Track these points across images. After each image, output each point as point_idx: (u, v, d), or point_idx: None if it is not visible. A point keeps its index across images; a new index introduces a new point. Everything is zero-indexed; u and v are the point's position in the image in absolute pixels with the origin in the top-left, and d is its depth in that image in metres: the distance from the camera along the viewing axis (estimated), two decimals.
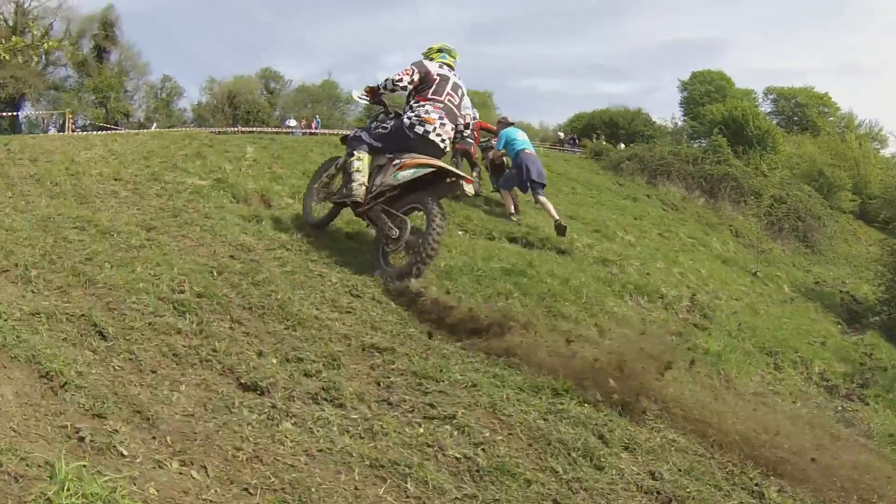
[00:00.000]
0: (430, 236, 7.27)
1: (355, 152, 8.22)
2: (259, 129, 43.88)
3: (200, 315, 5.95)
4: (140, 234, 8.01)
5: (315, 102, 73.30)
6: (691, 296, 10.87)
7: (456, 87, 8.15)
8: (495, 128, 14.86)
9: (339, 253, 8.77)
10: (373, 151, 8.17)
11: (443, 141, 7.91)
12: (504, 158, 14.22)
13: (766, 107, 73.50)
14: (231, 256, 7.82)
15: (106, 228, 7.97)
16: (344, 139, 9.33)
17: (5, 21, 57.93)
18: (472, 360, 6.07)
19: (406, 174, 7.50)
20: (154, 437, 3.99)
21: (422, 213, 7.70)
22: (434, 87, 7.90)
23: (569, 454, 4.66)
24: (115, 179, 11.48)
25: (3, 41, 3.22)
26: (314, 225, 9.36)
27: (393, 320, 6.81)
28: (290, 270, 7.67)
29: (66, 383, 4.27)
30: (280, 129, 47.41)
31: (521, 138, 13.77)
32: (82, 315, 5.43)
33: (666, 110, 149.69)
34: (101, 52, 61.59)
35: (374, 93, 8.22)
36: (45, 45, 4.05)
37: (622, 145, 43.71)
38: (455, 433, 4.67)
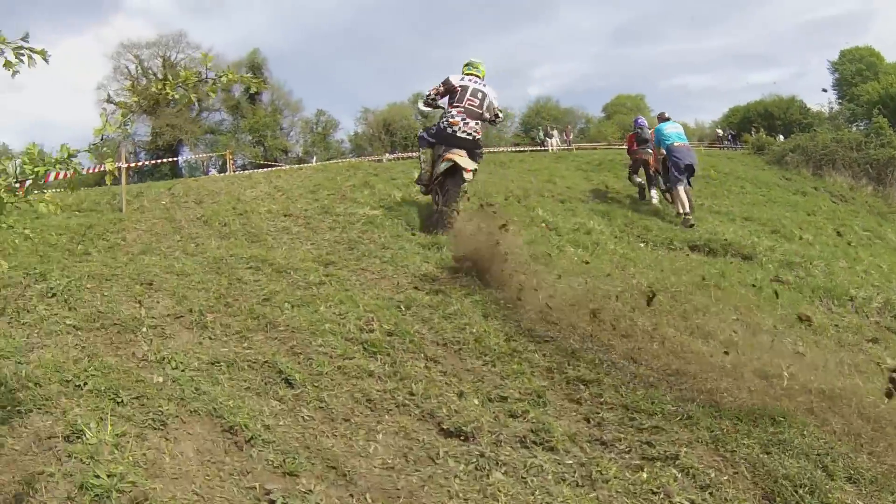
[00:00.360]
0: (445, 206, 10.39)
1: (421, 149, 11.57)
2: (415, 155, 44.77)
3: (393, 355, 5.85)
4: (318, 270, 8.06)
5: None
6: (880, 296, 10.32)
7: (476, 91, 10.78)
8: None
9: (524, 276, 8.51)
10: (431, 146, 11.00)
11: (468, 135, 10.57)
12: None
13: None
14: (416, 288, 7.75)
15: (282, 266, 8.08)
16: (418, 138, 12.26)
17: (154, 75, 63.10)
18: (681, 388, 5.73)
19: (440, 167, 10.62)
20: (352, 496, 3.85)
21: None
22: (457, 95, 10.72)
23: (795, 491, 4.29)
24: (285, 215, 11.78)
25: (170, 78, 3.22)
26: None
27: (593, 347, 6.52)
28: (479, 300, 7.52)
29: (251, 438, 4.21)
30: None
31: (670, 131, 15.02)
32: (265, 361, 5.42)
33: (818, 94, 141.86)
34: (252, 95, 65.66)
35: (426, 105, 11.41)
36: (225, 77, 4.16)
37: (781, 137, 43.66)
38: (679, 476, 4.37)
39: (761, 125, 55.44)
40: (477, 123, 10.71)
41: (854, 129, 47.52)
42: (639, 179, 16.20)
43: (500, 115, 11.81)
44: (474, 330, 6.50)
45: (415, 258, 8.84)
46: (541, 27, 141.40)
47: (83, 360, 5.28)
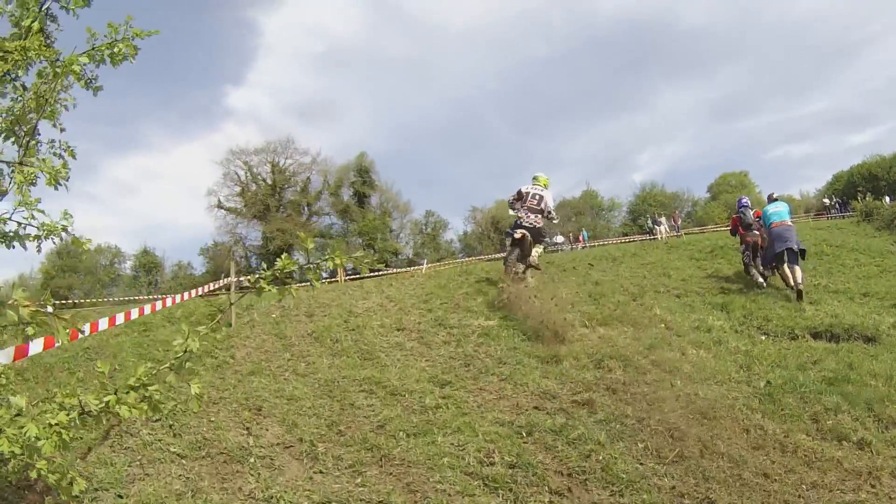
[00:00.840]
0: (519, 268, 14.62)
1: (506, 240, 15.84)
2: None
3: (515, 490, 5.60)
4: (434, 391, 7.87)
5: (578, 214, 74.57)
6: None
7: (535, 195, 14.82)
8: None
9: (648, 386, 8.40)
10: (511, 237, 14.75)
11: (531, 224, 14.47)
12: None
13: None
14: (536, 408, 7.48)
15: (396, 389, 7.92)
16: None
17: (264, 181, 65.74)
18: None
19: (514, 236, 14.54)
20: None
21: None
22: (525, 199, 14.84)
23: None
24: (398, 329, 11.70)
25: (262, 270, 3.23)
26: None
27: (725, 465, 6.21)
28: (604, 419, 7.25)
29: None
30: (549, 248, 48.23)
31: (773, 211, 15.36)
32: (380, 501, 5.19)
33: None
34: (361, 198, 67.51)
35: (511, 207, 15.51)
36: (331, 261, 4.15)
37: (887, 199, 41.95)
38: None
39: (866, 189, 54.35)
40: (537, 217, 14.66)
41: None
42: (754, 272, 15.67)
43: (553, 214, 15.25)
44: (600, 457, 6.23)
45: (534, 374, 8.60)
46: (639, 113, 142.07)
47: (186, 494, 5.20)
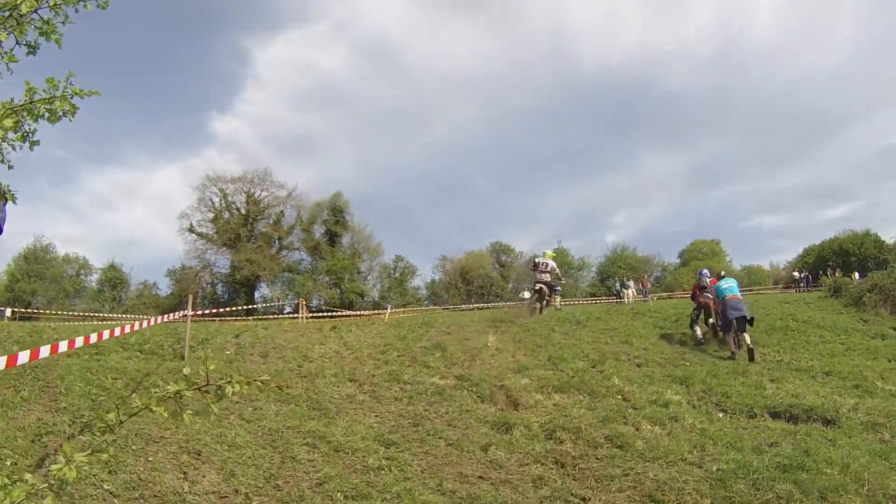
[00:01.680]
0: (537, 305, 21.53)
1: (528, 293, 23.68)
2: (492, 305, 44.86)
3: None
4: (378, 451, 7.65)
5: None
6: None
7: (544, 264, 21.74)
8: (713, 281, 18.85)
9: (599, 461, 8.24)
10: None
11: (540, 282, 21.39)
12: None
13: None
14: (481, 478, 7.26)
15: (340, 445, 7.70)
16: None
17: (238, 210, 65.42)
18: None
19: (533, 288, 22.32)
20: None
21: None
22: (538, 267, 21.87)
23: None
24: (351, 380, 11.48)
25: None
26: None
27: None
28: (549, 495, 7.05)
29: None
30: (515, 304, 48.26)
31: (726, 286, 17.42)
32: None
33: (893, 225, 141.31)
34: (332, 237, 67.29)
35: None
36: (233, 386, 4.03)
37: (857, 275, 42.03)
38: None
39: (836, 264, 55.81)
40: (546, 276, 21.79)
41: None
42: (698, 329, 17.77)
43: (559, 273, 23.21)
44: None
45: (482, 441, 8.39)
46: (617, 174, 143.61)
47: None
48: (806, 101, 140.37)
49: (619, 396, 11.81)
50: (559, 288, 24.34)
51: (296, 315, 34.40)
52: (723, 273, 20.02)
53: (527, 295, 52.64)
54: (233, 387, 3.17)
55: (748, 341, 15.90)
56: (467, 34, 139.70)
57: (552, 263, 22.23)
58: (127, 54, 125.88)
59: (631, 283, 46.24)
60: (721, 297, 17.30)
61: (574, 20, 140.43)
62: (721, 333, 17.32)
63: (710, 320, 18.17)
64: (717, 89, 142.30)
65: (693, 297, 19.68)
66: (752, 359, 15.27)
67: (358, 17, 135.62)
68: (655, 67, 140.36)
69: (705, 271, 20.39)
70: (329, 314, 35.68)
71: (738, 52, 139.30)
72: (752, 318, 16.86)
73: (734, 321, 16.47)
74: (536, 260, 22.57)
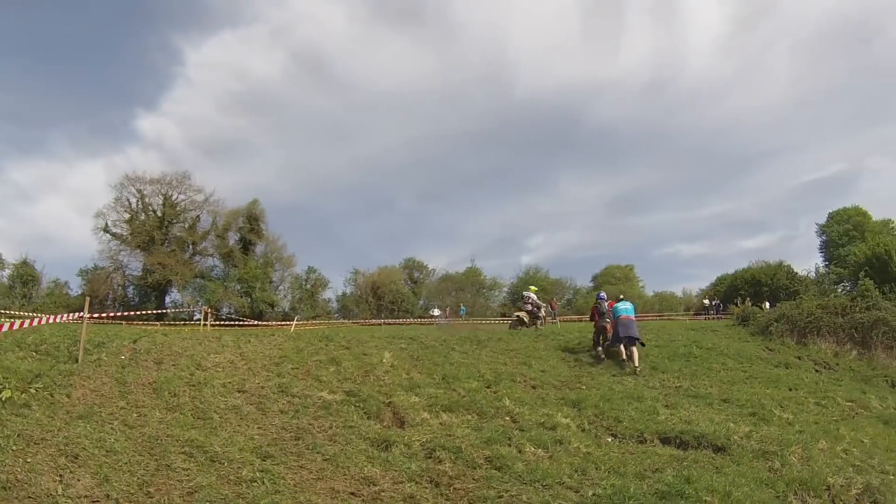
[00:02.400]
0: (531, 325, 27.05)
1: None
2: (401, 321, 44.97)
3: None
4: (254, 463, 7.67)
5: (459, 290, 75.09)
6: (860, 480, 9.75)
7: (527, 297, 28.65)
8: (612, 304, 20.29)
9: (475, 482, 8.30)
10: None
11: (527, 309, 27.97)
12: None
13: None
14: (352, 494, 7.34)
15: (217, 455, 7.71)
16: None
17: (154, 212, 64.08)
18: None
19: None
20: None
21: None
22: (523, 298, 29.34)
23: None
24: (240, 391, 11.45)
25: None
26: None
27: None
28: None
29: None
30: (425, 319, 48.46)
31: (622, 308, 19.05)
32: None
33: (807, 256, 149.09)
34: (246, 245, 66.40)
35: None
36: None
37: (767, 304, 43.39)
38: None
39: (748, 293, 56.12)
40: (528, 306, 27.66)
41: (840, 290, 48.39)
42: (599, 349, 18.95)
43: (538, 303, 28.41)
44: None
45: (360, 458, 8.42)
46: (539, 197, 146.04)
47: None
48: (732, 138, 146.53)
49: (508, 418, 11.82)
50: (542, 313, 28.73)
51: (203, 322, 33.77)
52: (622, 296, 23.20)
53: (437, 312, 53.69)
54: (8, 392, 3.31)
55: (636, 361, 17.49)
56: (404, 51, 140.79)
57: (533, 297, 28.45)
58: (56, 39, 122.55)
59: (541, 305, 46.63)
60: (616, 316, 18.82)
61: (513, 46, 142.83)
62: (613, 343, 18.79)
63: (607, 343, 19.15)
64: (646, 122, 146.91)
65: (592, 319, 20.77)
66: (635, 374, 16.86)
67: (295, 24, 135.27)
68: (588, 97, 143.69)
69: (602, 294, 21.63)
70: (234, 323, 35.17)
71: (671, 88, 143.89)
72: (643, 343, 18.66)
73: (624, 339, 18.05)
74: (523, 294, 29.59)
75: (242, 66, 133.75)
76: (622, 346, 18.25)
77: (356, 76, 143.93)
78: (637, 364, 17.49)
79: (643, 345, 18.85)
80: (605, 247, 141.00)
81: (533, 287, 31.73)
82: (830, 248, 74.60)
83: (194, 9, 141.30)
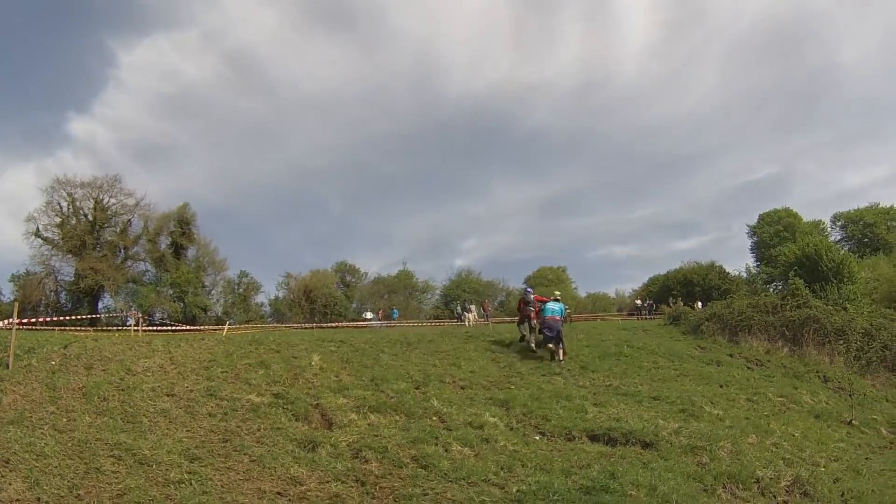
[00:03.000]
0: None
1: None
2: (334, 324, 44.91)
3: None
4: (182, 465, 7.78)
5: (392, 293, 74.81)
6: (790, 472, 10.08)
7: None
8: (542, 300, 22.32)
9: (401, 481, 8.49)
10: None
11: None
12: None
13: (835, 235, 77.03)
14: (279, 493, 7.49)
15: (145, 458, 7.78)
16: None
17: (85, 216, 62.57)
18: None
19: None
20: None
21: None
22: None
23: None
24: (169, 395, 11.46)
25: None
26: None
27: None
28: None
29: None
30: (358, 323, 48.42)
31: (550, 308, 20.48)
32: None
33: (739, 257, 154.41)
34: (178, 249, 65.16)
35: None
36: None
37: (699, 304, 44.10)
38: None
39: (680, 293, 57.24)
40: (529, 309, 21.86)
41: (771, 290, 49.50)
42: (524, 332, 21.52)
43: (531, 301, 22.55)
44: None
45: (286, 459, 8.57)
46: (471, 200, 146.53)
47: None
48: (662, 141, 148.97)
49: (436, 418, 12.00)
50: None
51: (135, 328, 33.21)
52: (558, 297, 22.82)
53: (370, 315, 53.55)
54: None
55: (560, 356, 19.16)
56: (334, 55, 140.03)
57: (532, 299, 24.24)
58: None
59: (473, 307, 46.66)
60: (544, 315, 20.22)
61: (444, 50, 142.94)
62: (545, 340, 20.16)
63: (535, 331, 21.00)
64: (577, 125, 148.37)
65: (518, 309, 23.46)
66: (555, 359, 19.02)
67: (227, 28, 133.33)
68: (519, 101, 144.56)
69: (529, 289, 24.81)
70: (167, 329, 34.66)
71: (602, 92, 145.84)
72: (561, 340, 19.78)
73: (547, 334, 19.72)
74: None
75: (174, 68, 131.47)
76: (550, 346, 19.53)
77: (286, 80, 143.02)
78: (562, 358, 19.13)
79: (561, 340, 19.93)
80: (538, 249, 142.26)
81: (557, 292, 28.46)
82: (762, 249, 75.91)
83: (130, 10, 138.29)
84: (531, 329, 21.26)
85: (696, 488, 8.98)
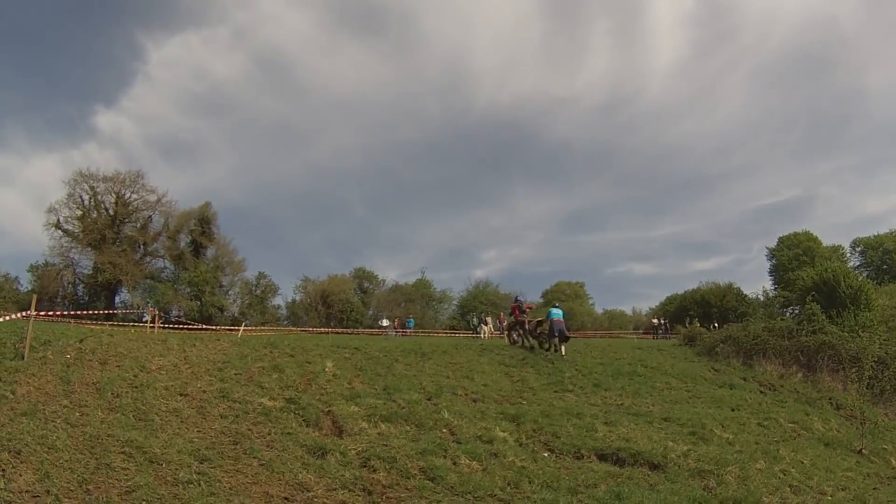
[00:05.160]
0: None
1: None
2: (350, 330, 44.99)
3: None
4: (191, 465, 7.83)
5: (409, 302, 74.29)
6: (795, 501, 10.09)
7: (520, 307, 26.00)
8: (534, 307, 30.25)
9: (408, 492, 8.50)
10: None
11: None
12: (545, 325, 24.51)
13: (855, 260, 76.21)
14: (286, 499, 7.54)
15: (156, 456, 7.84)
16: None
17: (106, 210, 63.07)
18: None
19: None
20: None
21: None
22: (522, 309, 25.85)
23: None
24: (181, 395, 11.55)
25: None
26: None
27: None
28: None
29: None
30: (373, 330, 48.38)
31: (554, 312, 24.23)
32: None
33: (757, 279, 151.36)
34: (197, 247, 65.40)
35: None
36: None
37: (716, 325, 42.91)
38: None
39: (697, 313, 56.54)
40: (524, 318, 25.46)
41: (788, 314, 48.96)
42: (515, 336, 25.65)
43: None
44: None
45: (295, 464, 8.61)
46: (493, 212, 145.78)
47: None
48: (686, 160, 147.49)
49: (446, 430, 12.02)
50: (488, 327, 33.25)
51: (150, 325, 33.40)
52: (556, 304, 28.40)
53: (385, 323, 53.38)
54: None
55: (563, 352, 22.86)
56: (363, 59, 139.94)
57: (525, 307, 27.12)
58: (17, 28, 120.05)
59: (489, 319, 46.39)
60: (550, 318, 23.85)
61: (473, 59, 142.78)
62: (546, 338, 23.65)
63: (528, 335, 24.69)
64: (602, 141, 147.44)
65: (512, 314, 26.87)
66: (557, 350, 22.80)
67: (258, 27, 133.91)
68: (545, 113, 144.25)
69: (522, 297, 29.23)
70: (182, 327, 34.81)
71: (628, 109, 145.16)
72: (568, 337, 24.25)
73: (557, 334, 23.10)
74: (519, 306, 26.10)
75: (204, 66, 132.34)
76: (553, 340, 23.16)
77: (314, 81, 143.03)
78: (564, 353, 22.85)
79: (566, 339, 23.78)
80: (557, 263, 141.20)
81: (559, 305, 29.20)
82: (780, 272, 74.70)
83: (161, 5, 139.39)
84: (525, 333, 24.88)
85: None
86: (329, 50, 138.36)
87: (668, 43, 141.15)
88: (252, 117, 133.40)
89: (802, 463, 12.79)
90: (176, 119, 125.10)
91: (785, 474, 11.71)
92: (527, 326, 24.95)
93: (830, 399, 21.20)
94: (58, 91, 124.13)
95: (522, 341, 24.94)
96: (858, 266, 73.48)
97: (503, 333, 43.63)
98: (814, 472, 12.25)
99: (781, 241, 78.42)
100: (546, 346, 23.60)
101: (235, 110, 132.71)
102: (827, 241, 77.59)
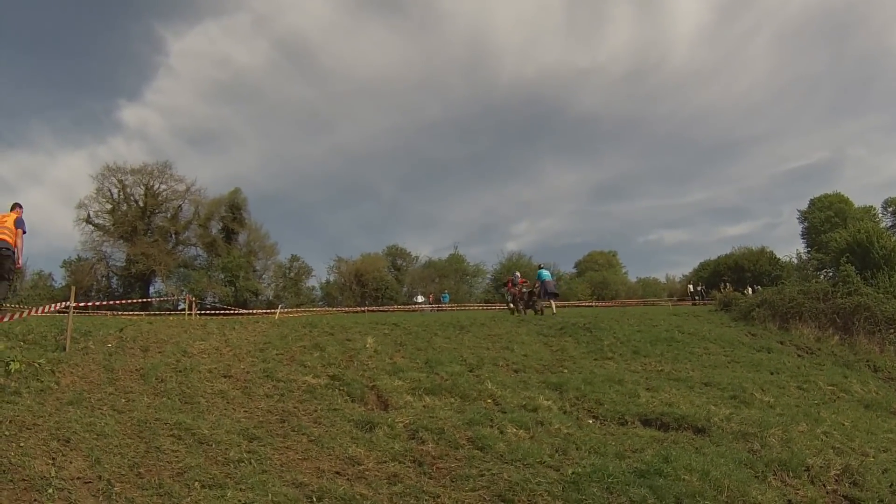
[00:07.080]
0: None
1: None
2: (385, 308, 45.12)
3: None
4: (241, 444, 7.86)
5: (443, 277, 74.64)
6: (839, 461, 9.98)
7: (514, 281, 29.70)
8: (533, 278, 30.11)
9: (458, 462, 8.45)
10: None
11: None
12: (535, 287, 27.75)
13: (887, 220, 75.27)
14: (338, 473, 7.53)
15: (205, 437, 7.87)
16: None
17: (136, 202, 63.71)
18: None
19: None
20: None
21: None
22: (515, 281, 29.62)
23: None
24: (225, 377, 11.62)
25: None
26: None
27: None
28: (400, 492, 7.26)
29: None
30: (409, 307, 48.51)
31: (544, 274, 27.90)
32: None
33: (790, 243, 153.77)
34: (229, 234, 66.01)
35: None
36: None
37: (750, 290, 43.11)
38: None
39: (730, 278, 56.20)
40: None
41: (822, 276, 48.56)
42: (520, 306, 27.45)
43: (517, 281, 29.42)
44: None
45: (344, 439, 8.63)
46: (522, 184, 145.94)
47: None
48: (713, 126, 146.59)
49: (490, 400, 12.04)
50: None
51: (188, 312, 33.71)
52: (541, 265, 35.08)
53: (421, 299, 53.67)
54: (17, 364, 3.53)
55: (553, 309, 26.93)
56: (386, 39, 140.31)
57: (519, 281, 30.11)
58: (38, 29, 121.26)
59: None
60: (540, 279, 27.37)
61: (496, 34, 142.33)
62: (537, 300, 26.84)
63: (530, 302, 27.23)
64: (628, 110, 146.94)
65: (506, 287, 31.20)
66: (542, 312, 25.76)
67: (279, 13, 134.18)
68: (570, 85, 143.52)
69: (517, 273, 31.28)
70: (219, 312, 35.09)
71: (653, 77, 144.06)
72: (558, 294, 29.72)
73: (548, 293, 26.94)
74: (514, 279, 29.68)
75: (225, 54, 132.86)
76: (544, 301, 26.51)
77: (338, 65, 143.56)
78: (555, 311, 26.65)
79: (558, 295, 29.24)
80: (589, 233, 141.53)
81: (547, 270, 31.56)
82: (812, 235, 74.44)
83: None
84: (516, 301, 28.08)
85: (747, 475, 8.92)
86: (351, 32, 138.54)
87: (690, 8, 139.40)
88: (277, 103, 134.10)
89: (843, 425, 12.67)
90: (201, 108, 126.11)
91: (827, 436, 11.61)
92: (518, 295, 28.18)
93: (868, 361, 20.88)
94: (81, 89, 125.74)
95: (514, 309, 27.96)
96: (891, 226, 72.94)
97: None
98: (855, 434, 12.13)
99: (813, 203, 78.40)
100: (538, 309, 26.31)
101: (260, 97, 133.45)
102: (858, 202, 77.60)
